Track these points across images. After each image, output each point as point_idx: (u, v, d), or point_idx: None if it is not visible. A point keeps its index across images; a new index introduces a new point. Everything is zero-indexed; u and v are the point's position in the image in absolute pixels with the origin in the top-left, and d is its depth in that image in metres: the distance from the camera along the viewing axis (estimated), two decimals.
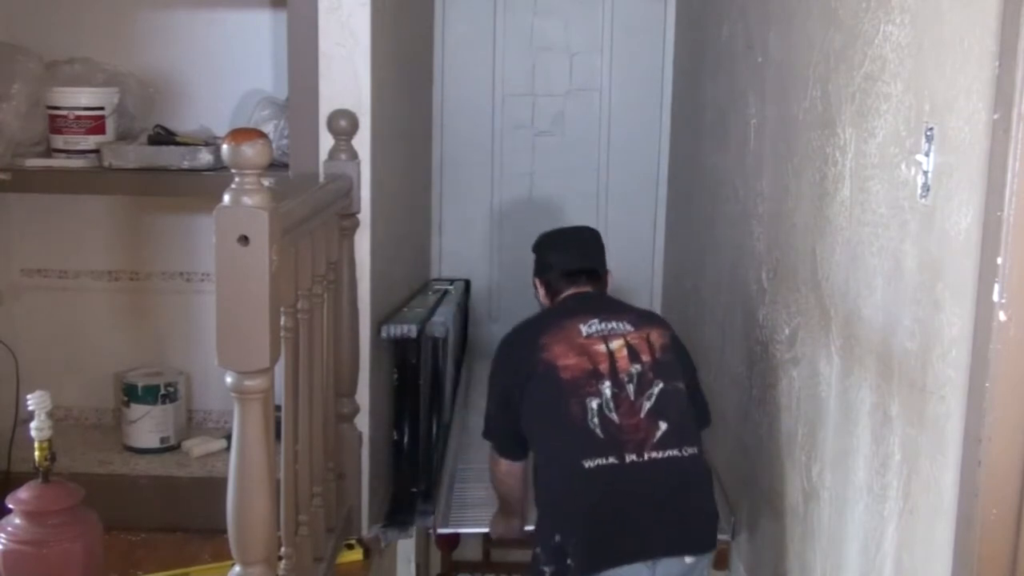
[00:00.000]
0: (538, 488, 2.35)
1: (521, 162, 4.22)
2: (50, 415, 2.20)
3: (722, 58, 3.12)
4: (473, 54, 4.19)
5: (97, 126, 2.90)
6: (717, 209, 3.10)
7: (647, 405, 2.26)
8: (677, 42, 4.10)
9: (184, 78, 3.18)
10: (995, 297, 1.23)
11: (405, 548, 3.18)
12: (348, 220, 2.52)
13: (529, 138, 4.23)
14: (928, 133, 1.45)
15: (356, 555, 2.66)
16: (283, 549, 1.98)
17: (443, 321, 2.99)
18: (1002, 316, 1.23)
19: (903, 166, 1.55)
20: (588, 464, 2.20)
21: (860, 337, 1.77)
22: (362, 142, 2.60)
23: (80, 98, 2.89)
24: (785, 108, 2.30)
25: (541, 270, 2.62)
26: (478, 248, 4.24)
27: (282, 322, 1.80)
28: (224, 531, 1.69)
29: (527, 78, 4.21)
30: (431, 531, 3.10)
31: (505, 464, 2.53)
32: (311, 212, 2.04)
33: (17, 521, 2.19)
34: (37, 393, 2.19)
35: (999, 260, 1.22)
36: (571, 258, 2.60)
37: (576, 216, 3.97)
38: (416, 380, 2.91)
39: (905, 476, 1.55)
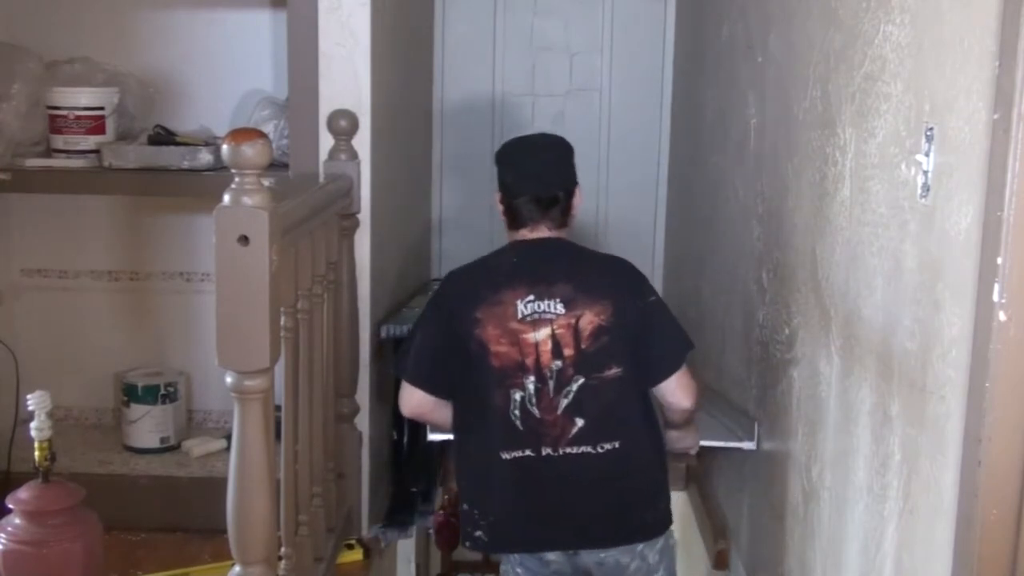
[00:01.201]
0: (456, 460, 2.39)
1: None
2: (50, 415, 2.20)
3: (722, 58, 3.12)
4: (473, 54, 4.19)
5: (97, 126, 2.90)
6: (717, 209, 3.10)
7: (564, 402, 2.23)
8: (677, 42, 4.10)
9: (184, 78, 3.18)
10: (995, 297, 1.23)
11: (405, 548, 3.18)
12: (348, 220, 2.52)
13: None
14: (928, 133, 1.45)
15: (356, 555, 2.66)
16: (283, 549, 1.98)
17: None
18: (1002, 316, 1.23)
19: (903, 166, 1.55)
20: (505, 456, 2.24)
21: (860, 337, 1.77)
22: (362, 142, 2.60)
23: (80, 98, 2.89)
24: (785, 108, 2.30)
25: (500, 188, 2.38)
26: (478, 248, 4.22)
27: (282, 322, 1.80)
28: (224, 531, 1.69)
29: (527, 78, 4.21)
30: (429, 530, 3.10)
31: (419, 395, 2.31)
32: (311, 212, 2.04)
33: (17, 521, 2.19)
34: (37, 393, 2.19)
35: (999, 260, 1.22)
36: (529, 183, 2.33)
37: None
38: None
39: (905, 476, 1.55)
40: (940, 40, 1.43)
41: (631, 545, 2.28)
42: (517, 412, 2.24)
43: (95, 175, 2.87)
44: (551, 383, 2.24)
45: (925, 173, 1.46)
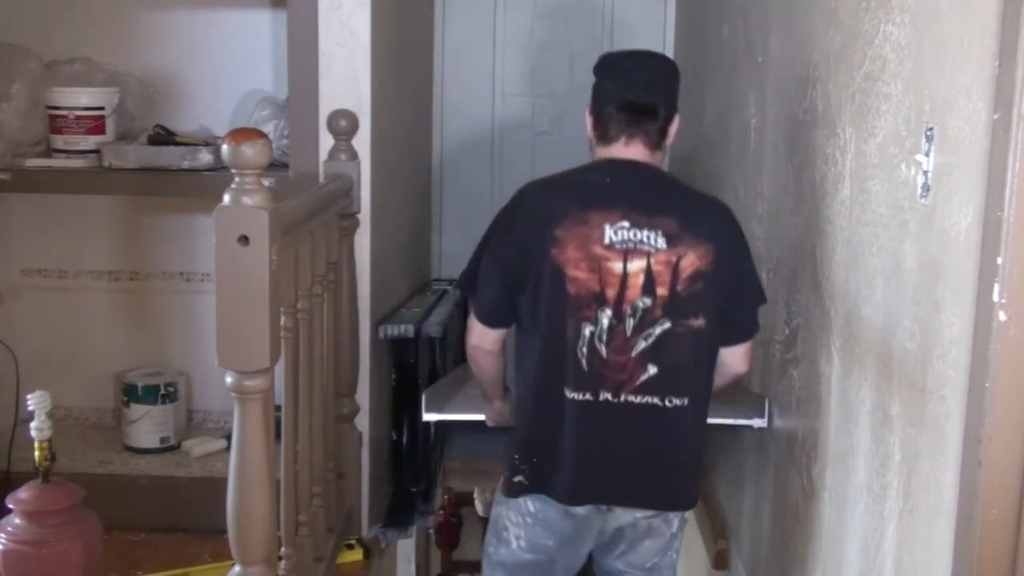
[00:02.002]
0: (516, 394, 2.21)
1: (521, 162, 4.22)
2: (50, 415, 2.20)
3: (722, 58, 3.12)
4: (473, 54, 4.19)
5: (97, 126, 2.90)
6: None
7: (641, 345, 2.04)
8: (677, 42, 4.10)
9: (184, 78, 3.18)
10: (995, 297, 1.23)
11: (405, 548, 3.18)
12: (348, 220, 2.52)
13: (529, 138, 4.24)
14: (928, 133, 1.45)
15: (356, 555, 2.66)
16: (283, 549, 1.98)
17: (440, 321, 2.99)
18: (1002, 316, 1.23)
19: (903, 166, 1.55)
20: (570, 394, 2.06)
21: (860, 337, 1.77)
22: (362, 142, 2.60)
23: (80, 98, 2.89)
24: (785, 108, 2.30)
25: (595, 98, 2.17)
26: None
27: (282, 322, 1.80)
28: (224, 531, 1.69)
29: (527, 78, 4.21)
30: (429, 530, 3.10)
31: (479, 329, 2.18)
32: (311, 212, 2.04)
33: (17, 521, 2.19)
34: (37, 393, 2.19)
35: (999, 260, 1.22)
36: (630, 87, 2.12)
37: None
38: (414, 380, 2.91)
39: (905, 476, 1.55)
40: (940, 40, 1.43)
41: (664, 512, 2.16)
42: (584, 349, 2.04)
43: (95, 175, 2.87)
44: (630, 321, 2.03)
45: (925, 173, 1.46)
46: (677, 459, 2.11)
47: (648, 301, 2.03)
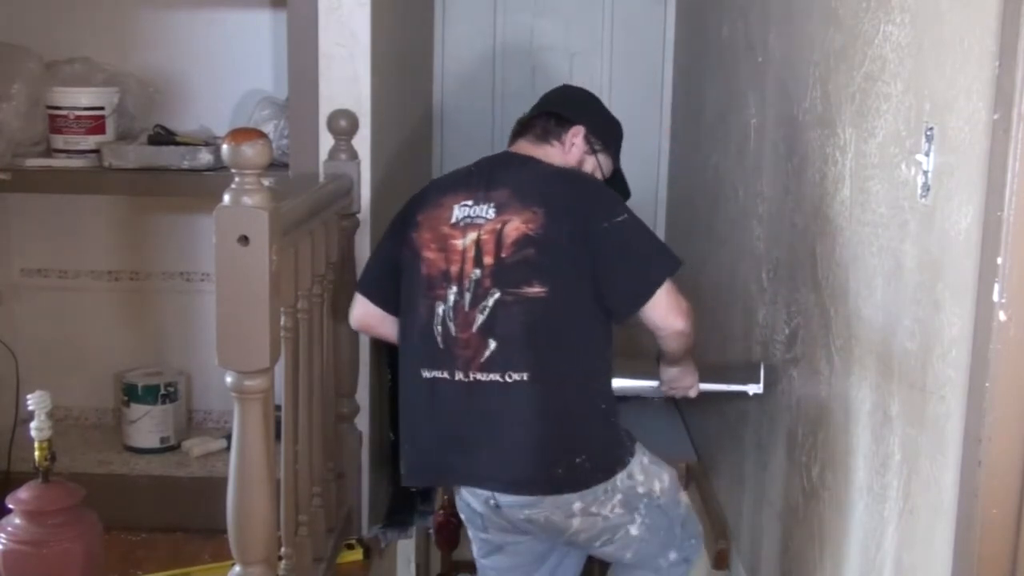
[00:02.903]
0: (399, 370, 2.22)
1: None
2: (50, 415, 2.20)
3: (722, 58, 3.12)
4: (473, 54, 4.19)
5: (97, 126, 2.90)
6: (717, 209, 3.10)
7: (479, 319, 2.02)
8: (677, 42, 4.09)
9: (184, 78, 3.18)
10: (995, 297, 1.23)
11: (405, 548, 3.18)
12: (348, 220, 2.52)
13: None
14: (928, 133, 1.44)
15: (356, 555, 2.66)
16: (283, 549, 1.98)
17: None
18: (1002, 316, 1.23)
19: (903, 166, 1.55)
20: (426, 374, 2.07)
21: (860, 337, 1.77)
22: (362, 142, 2.60)
23: (80, 98, 2.89)
24: (785, 108, 2.29)
25: None
26: None
27: (282, 322, 1.80)
28: (224, 531, 1.69)
29: (527, 78, 4.21)
30: (429, 530, 3.10)
31: (364, 305, 2.20)
32: (311, 212, 2.04)
33: (17, 521, 2.19)
34: (37, 393, 2.19)
35: (999, 260, 1.22)
36: (530, 110, 2.34)
37: None
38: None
39: (905, 476, 1.55)
40: (940, 40, 1.43)
41: (552, 497, 2.05)
42: (439, 327, 2.05)
43: (95, 175, 2.87)
44: (467, 296, 2.04)
45: (925, 173, 1.45)
46: (521, 439, 2.03)
47: (478, 272, 2.03)
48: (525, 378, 2.00)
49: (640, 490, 2.14)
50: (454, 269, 2.05)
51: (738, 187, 2.80)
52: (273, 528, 1.74)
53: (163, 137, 2.92)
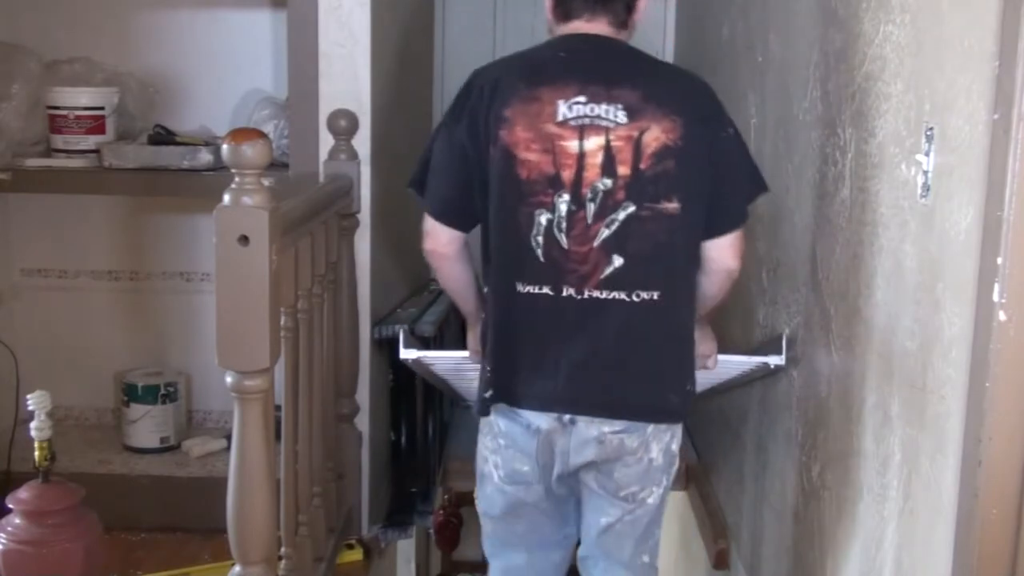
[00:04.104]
0: (487, 288, 1.99)
1: None
2: (50, 415, 2.20)
3: (722, 58, 3.12)
4: (473, 53, 4.18)
5: (97, 126, 2.90)
6: None
7: (604, 233, 1.83)
8: (677, 42, 4.09)
9: (184, 78, 3.18)
10: (995, 297, 1.23)
11: (405, 548, 3.19)
12: (348, 220, 2.52)
13: None
14: (928, 133, 1.45)
15: (356, 555, 2.66)
16: (283, 549, 1.98)
17: (433, 320, 2.98)
18: (1002, 316, 1.23)
19: (903, 166, 1.55)
20: (521, 288, 1.87)
21: (860, 337, 1.77)
22: (362, 142, 2.60)
23: (80, 98, 2.89)
24: (785, 108, 2.30)
25: None
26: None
27: (282, 322, 1.80)
28: (224, 531, 1.69)
29: None
30: (429, 530, 3.10)
31: (445, 234, 1.96)
32: (311, 212, 2.04)
33: (17, 521, 2.19)
34: (37, 393, 2.19)
35: (999, 260, 1.22)
36: None
37: None
38: (411, 380, 2.91)
39: (905, 476, 1.55)
40: (940, 40, 1.43)
41: (643, 425, 1.91)
42: (540, 239, 1.84)
43: (95, 175, 2.87)
44: (591, 207, 1.82)
45: (925, 173, 1.46)
46: (648, 362, 1.89)
47: (608, 182, 1.82)
48: (655, 297, 1.85)
49: (674, 447, 2.00)
50: (566, 175, 1.82)
51: None
52: (273, 528, 1.74)
53: (163, 137, 2.92)
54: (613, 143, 1.82)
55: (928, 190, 1.45)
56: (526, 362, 1.91)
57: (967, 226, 1.32)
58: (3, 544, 2.18)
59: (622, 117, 1.82)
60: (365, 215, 2.65)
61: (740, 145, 1.94)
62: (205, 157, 2.83)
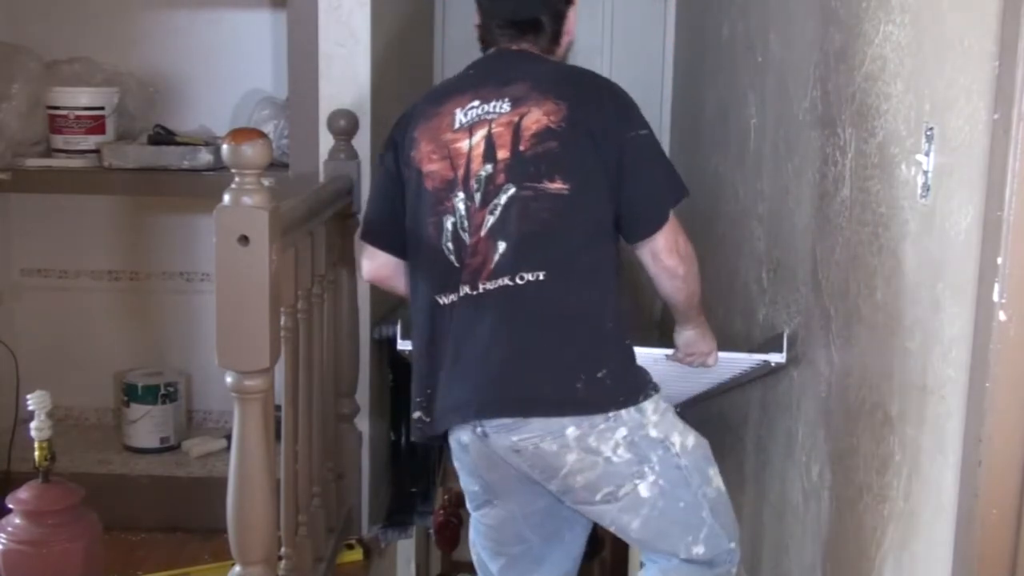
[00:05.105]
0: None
1: None
2: (50, 415, 2.20)
3: (722, 58, 3.12)
4: (473, 54, 4.18)
5: (97, 126, 2.90)
6: (717, 209, 3.10)
7: (489, 221, 1.78)
8: (677, 42, 4.10)
9: (184, 78, 3.18)
10: (995, 297, 1.23)
11: (405, 548, 3.18)
12: (348, 220, 2.52)
13: None
14: (928, 133, 1.45)
15: (356, 555, 2.66)
16: (283, 549, 1.98)
17: None
18: (1002, 316, 1.23)
19: (903, 166, 1.55)
20: (442, 300, 1.83)
21: (860, 337, 1.77)
22: (362, 142, 2.61)
23: (80, 98, 2.89)
24: (785, 108, 2.29)
25: (478, 11, 2.05)
26: None
27: (282, 322, 1.80)
28: (224, 531, 1.69)
29: None
30: (429, 530, 3.10)
31: (377, 257, 1.96)
32: (311, 212, 2.04)
33: (17, 521, 2.19)
34: (37, 393, 2.19)
35: (999, 260, 1.22)
36: (504, 4, 1.97)
37: None
38: (411, 380, 2.90)
39: (905, 476, 1.55)
40: (940, 40, 1.43)
41: (558, 428, 1.75)
42: (450, 244, 1.81)
43: (95, 175, 2.87)
44: (478, 196, 1.80)
45: (925, 173, 1.46)
46: (542, 349, 1.77)
47: (489, 167, 1.80)
48: (541, 277, 1.76)
49: (653, 433, 1.81)
50: (460, 173, 1.82)
51: (738, 187, 2.80)
52: (273, 528, 1.74)
53: (163, 137, 2.92)
54: (494, 131, 1.81)
55: (928, 190, 1.45)
56: (443, 376, 1.84)
57: (967, 226, 1.32)
58: (3, 544, 2.18)
59: (506, 107, 1.82)
60: None
61: (652, 147, 1.88)
62: (205, 157, 2.83)
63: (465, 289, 1.80)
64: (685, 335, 2.06)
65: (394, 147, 1.93)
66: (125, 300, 3.32)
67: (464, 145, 1.83)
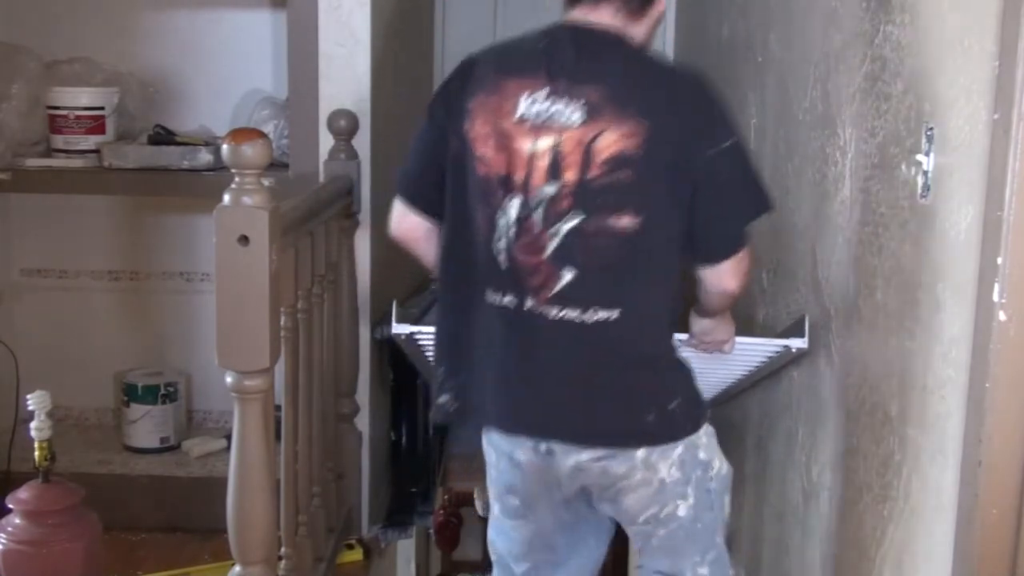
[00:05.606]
0: (438, 298, 1.87)
1: None
2: (50, 415, 2.20)
3: (722, 58, 3.12)
4: None
5: (97, 126, 2.90)
6: None
7: (552, 245, 1.66)
8: (677, 42, 4.09)
9: (184, 78, 3.18)
10: (995, 297, 1.23)
11: (405, 548, 3.18)
12: (348, 220, 2.52)
13: None
14: (928, 133, 1.45)
15: (356, 555, 2.66)
16: (283, 549, 1.98)
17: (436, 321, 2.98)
18: (1002, 316, 1.23)
19: (903, 166, 1.55)
20: (492, 299, 1.72)
21: (860, 337, 1.77)
22: (362, 142, 2.61)
23: (80, 98, 2.89)
24: (785, 108, 2.30)
25: None
26: None
27: (282, 322, 1.80)
28: (224, 531, 1.69)
29: None
30: (429, 530, 3.09)
31: (397, 209, 1.84)
32: (311, 212, 2.04)
33: (17, 521, 2.19)
34: (37, 393, 2.19)
35: (999, 260, 1.22)
36: None
37: None
38: (412, 380, 2.91)
39: (905, 476, 1.55)
40: (940, 40, 1.43)
41: (624, 450, 1.74)
42: (502, 244, 1.69)
43: (95, 175, 2.87)
44: (537, 214, 1.66)
45: (925, 173, 1.46)
46: (611, 384, 1.72)
47: (552, 189, 1.65)
48: (615, 317, 1.67)
49: (701, 455, 1.80)
50: (518, 177, 1.67)
51: None
52: (273, 528, 1.74)
53: (163, 137, 2.92)
54: (563, 147, 1.64)
55: (928, 190, 1.45)
56: (490, 376, 1.77)
57: (967, 226, 1.32)
58: (3, 544, 2.18)
59: (577, 117, 1.64)
60: (365, 215, 2.65)
61: (738, 160, 1.71)
62: (205, 157, 2.83)
63: (529, 303, 1.69)
64: (703, 323, 1.92)
65: (448, 105, 1.76)
66: (125, 300, 3.32)
67: (526, 147, 1.66)
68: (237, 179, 1.57)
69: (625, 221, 1.64)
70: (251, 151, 1.56)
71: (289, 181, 2.61)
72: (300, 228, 1.93)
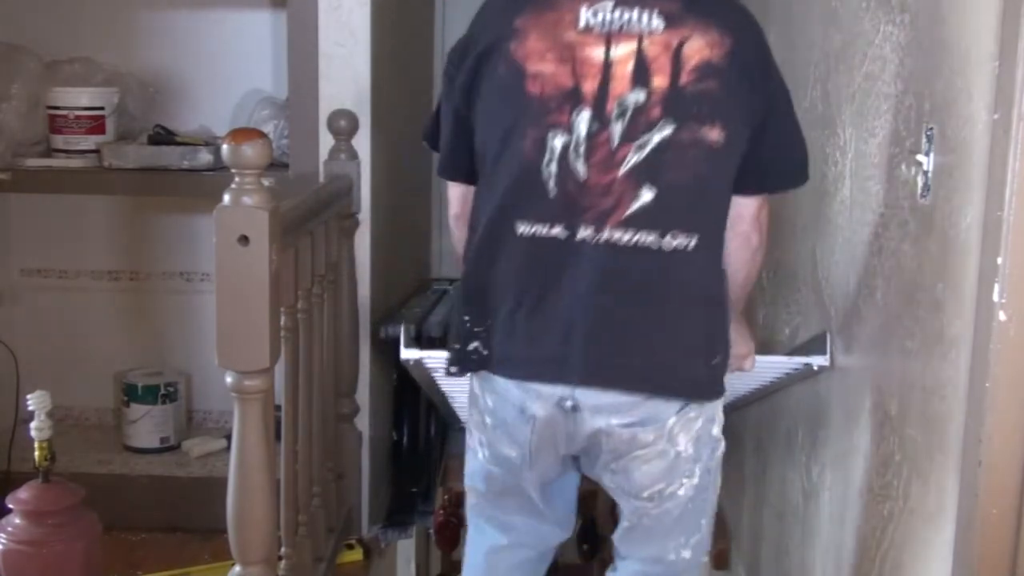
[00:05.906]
0: (467, 241, 1.71)
1: None
2: (50, 415, 2.20)
3: None
4: None
5: (97, 126, 2.90)
6: None
7: (633, 159, 1.52)
8: None
9: (184, 78, 3.18)
10: (995, 297, 1.23)
11: (405, 548, 3.18)
12: (348, 220, 2.52)
13: None
14: (928, 133, 1.45)
15: (356, 555, 2.66)
16: (283, 549, 1.98)
17: (440, 320, 2.99)
18: (1002, 316, 1.23)
19: (903, 166, 1.55)
20: (522, 229, 1.57)
21: (860, 337, 1.77)
22: (362, 142, 2.61)
23: (80, 98, 2.89)
24: None
25: None
26: None
27: (282, 322, 1.80)
28: (224, 531, 1.69)
29: None
30: (429, 530, 3.10)
31: (462, 191, 1.74)
32: (311, 212, 2.04)
33: (17, 521, 2.19)
34: (37, 393, 2.19)
35: (999, 260, 1.22)
36: None
37: None
38: (415, 380, 2.91)
39: (905, 476, 1.55)
40: (940, 40, 1.43)
41: (663, 417, 1.60)
42: (554, 168, 1.54)
43: (95, 175, 2.87)
44: (617, 126, 1.52)
45: (925, 173, 1.46)
46: (672, 323, 1.58)
47: (641, 95, 1.51)
48: (692, 245, 1.54)
49: (714, 431, 1.71)
50: (588, 86, 1.52)
51: None
52: (273, 528, 1.74)
53: (163, 137, 2.92)
54: (648, 49, 1.51)
55: (928, 190, 1.45)
56: (520, 319, 1.61)
57: (967, 226, 1.32)
58: (3, 544, 2.18)
59: (658, 23, 1.51)
60: (365, 215, 2.65)
61: (789, 99, 1.66)
62: (205, 157, 2.83)
63: (583, 231, 1.54)
64: None
65: (486, 38, 1.63)
66: (125, 300, 3.32)
67: (598, 54, 1.52)
68: (237, 179, 1.57)
69: (715, 134, 1.53)
70: (251, 151, 1.56)
71: (289, 181, 2.61)
72: (300, 228, 1.93)
